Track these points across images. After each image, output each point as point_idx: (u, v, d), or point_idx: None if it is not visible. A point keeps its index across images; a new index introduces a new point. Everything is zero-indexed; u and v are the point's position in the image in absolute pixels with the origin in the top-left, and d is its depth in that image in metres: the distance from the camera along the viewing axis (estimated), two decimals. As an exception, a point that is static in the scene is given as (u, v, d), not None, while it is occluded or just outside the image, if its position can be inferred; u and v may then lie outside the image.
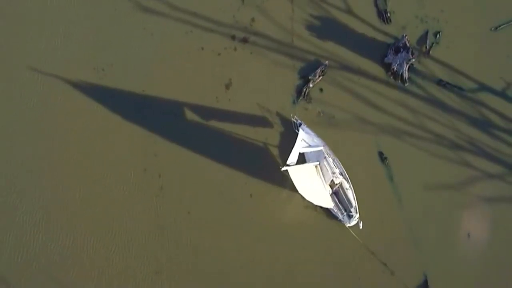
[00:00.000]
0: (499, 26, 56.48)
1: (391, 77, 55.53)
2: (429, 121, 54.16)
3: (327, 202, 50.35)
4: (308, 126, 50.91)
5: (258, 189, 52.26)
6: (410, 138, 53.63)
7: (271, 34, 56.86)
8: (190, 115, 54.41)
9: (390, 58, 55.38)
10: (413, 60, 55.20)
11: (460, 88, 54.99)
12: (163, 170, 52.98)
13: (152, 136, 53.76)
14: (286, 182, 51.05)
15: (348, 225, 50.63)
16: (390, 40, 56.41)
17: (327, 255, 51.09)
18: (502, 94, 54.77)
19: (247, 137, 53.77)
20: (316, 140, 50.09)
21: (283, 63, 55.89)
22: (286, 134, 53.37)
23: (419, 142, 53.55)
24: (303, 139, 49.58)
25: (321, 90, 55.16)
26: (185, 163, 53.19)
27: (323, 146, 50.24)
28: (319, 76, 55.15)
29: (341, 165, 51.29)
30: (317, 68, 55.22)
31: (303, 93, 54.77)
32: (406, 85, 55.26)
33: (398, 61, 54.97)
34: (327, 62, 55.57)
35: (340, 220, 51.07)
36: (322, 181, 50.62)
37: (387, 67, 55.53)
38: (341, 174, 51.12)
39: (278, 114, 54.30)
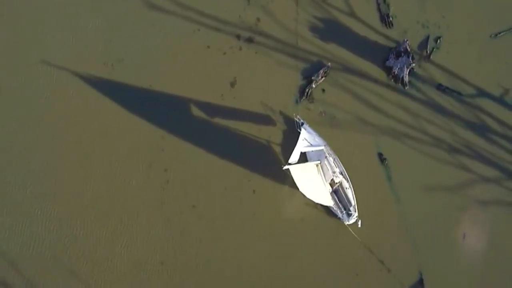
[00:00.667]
0: (499, 33, 57.34)
1: (392, 80, 56.25)
2: (428, 124, 54.96)
3: (327, 200, 51.08)
4: (310, 126, 51.53)
5: (261, 186, 52.81)
6: (409, 140, 54.41)
7: (275, 34, 57.39)
8: (196, 111, 54.86)
9: (391, 61, 56.09)
10: (414, 64, 55.92)
11: (459, 93, 55.77)
12: (169, 164, 53.42)
13: (160, 131, 54.15)
14: (288, 180, 51.59)
15: (347, 223, 51.27)
16: (391, 44, 57.14)
17: (326, 251, 51.76)
18: (500, 100, 55.61)
19: (250, 134, 54.27)
20: (318, 140, 50.63)
21: (287, 63, 56.47)
22: (288, 133, 54.01)
23: (418, 144, 54.35)
24: (305, 138, 50.20)
25: (323, 90, 55.80)
26: (191, 158, 53.60)
27: (324, 145, 50.83)
28: (321, 77, 55.77)
29: (341, 164, 51.93)
30: (320, 69, 55.84)
31: (305, 93, 55.37)
32: (406, 88, 55.99)
33: (399, 65, 55.67)
34: (329, 63, 56.18)
35: (339, 218, 51.71)
36: (322, 179, 51.45)
37: (388, 70, 56.22)
38: (341, 173, 51.83)
39: (281, 113, 54.83)
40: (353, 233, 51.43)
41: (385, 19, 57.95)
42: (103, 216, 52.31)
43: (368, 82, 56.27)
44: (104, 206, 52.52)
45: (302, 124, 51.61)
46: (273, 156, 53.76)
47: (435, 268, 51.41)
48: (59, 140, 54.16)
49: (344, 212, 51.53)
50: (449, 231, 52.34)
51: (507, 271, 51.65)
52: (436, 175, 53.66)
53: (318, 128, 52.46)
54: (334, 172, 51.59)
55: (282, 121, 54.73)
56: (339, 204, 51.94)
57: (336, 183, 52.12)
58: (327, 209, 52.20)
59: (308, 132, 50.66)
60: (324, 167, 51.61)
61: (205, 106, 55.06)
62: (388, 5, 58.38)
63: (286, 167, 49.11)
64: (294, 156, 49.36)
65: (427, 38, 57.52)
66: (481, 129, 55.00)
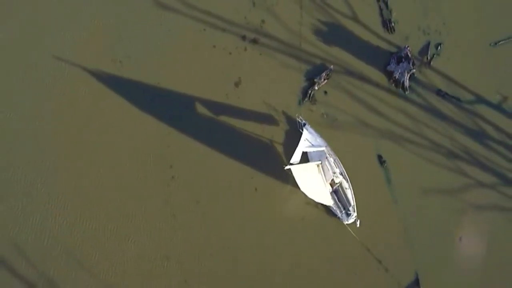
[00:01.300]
0: (498, 42, 58.17)
1: (393, 84, 56.98)
2: (427, 129, 55.73)
3: (327, 200, 51.74)
4: (312, 127, 52.05)
5: (263, 184, 53.49)
6: (408, 144, 55.16)
7: (280, 36, 58.12)
8: (201, 109, 55.53)
9: (392, 66, 56.84)
10: (414, 70, 56.63)
11: (458, 99, 56.53)
12: (174, 161, 54.07)
13: (166, 128, 54.83)
14: (289, 179, 52.24)
15: (346, 222, 52.01)
16: (393, 49, 57.90)
17: (326, 249, 52.45)
18: (497, 107, 56.42)
19: (254, 133, 54.93)
20: (319, 141, 51.17)
21: (291, 65, 57.18)
22: (290, 133, 54.63)
23: (417, 148, 55.09)
24: (306, 139, 50.79)
25: (325, 92, 56.52)
26: (195, 155, 54.26)
27: (325, 146, 51.37)
28: (324, 80, 56.46)
29: (341, 165, 52.64)
30: (322, 72, 56.55)
31: (308, 95, 56.08)
32: (406, 93, 56.74)
33: (399, 70, 56.43)
34: (332, 66, 56.89)
35: (339, 218, 52.39)
36: (323, 179, 51.98)
37: (389, 74, 56.93)
38: (341, 174, 52.55)
39: (284, 113, 55.50)
40: (352, 232, 52.00)
41: (387, 25, 58.62)
42: (110, 210, 53.01)
43: (369, 86, 56.95)
44: (111, 201, 53.18)
45: (304, 124, 52.04)
46: (276, 155, 54.39)
47: (431, 269, 52.08)
48: (66, 136, 54.82)
49: (343, 211, 52.15)
50: (445, 233, 52.99)
51: (502, 272, 52.36)
52: (434, 178, 54.36)
53: (319, 129, 53.07)
54: (334, 173, 52.17)
55: (285, 121, 55.33)
56: (339, 204, 52.55)
57: (336, 183, 52.71)
58: (327, 208, 52.81)
59: (310, 133, 51.15)
60: (325, 168, 52.11)
61: (210, 105, 55.67)
62: (390, 11, 59.10)
63: (287, 167, 49.69)
64: (296, 156, 49.92)
65: (428, 44, 58.22)
66: (479, 135, 55.70)
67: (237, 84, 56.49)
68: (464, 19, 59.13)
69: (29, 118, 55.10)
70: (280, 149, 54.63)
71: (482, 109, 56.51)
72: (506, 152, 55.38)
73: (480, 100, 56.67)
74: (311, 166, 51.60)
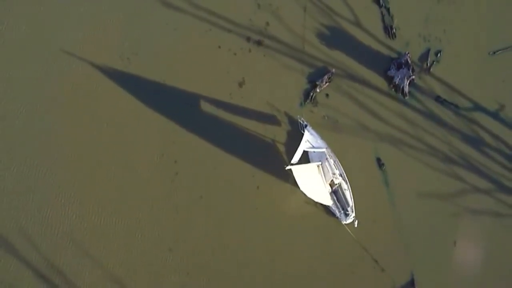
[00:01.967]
0: (497, 51, 58.90)
1: (393, 89, 57.66)
2: (425, 134, 56.42)
3: (326, 200, 52.37)
4: (313, 128, 52.54)
5: (264, 182, 54.07)
6: (407, 148, 55.86)
7: (283, 39, 58.69)
8: (206, 108, 56.10)
9: (392, 72, 57.52)
10: (414, 76, 57.26)
11: (457, 106, 57.22)
12: (179, 157, 54.73)
13: (171, 124, 55.33)
14: (290, 178, 52.73)
15: (344, 222, 52.64)
16: (394, 55, 58.55)
17: (324, 248, 53.05)
18: (495, 115, 57.11)
19: (256, 132, 55.53)
20: (320, 142, 51.71)
21: (293, 67, 57.82)
22: (292, 133, 55.20)
23: (415, 152, 55.79)
24: (307, 140, 51.36)
25: (327, 95, 57.20)
26: (199, 152, 54.78)
27: (326, 148, 51.89)
28: (326, 82, 57.14)
29: (341, 167, 53.29)
30: (324, 75, 57.22)
31: (310, 97, 56.77)
32: (406, 98, 57.41)
33: (399, 75, 57.06)
34: (334, 69, 57.56)
35: (337, 217, 53.08)
36: (322, 180, 52.56)
37: (390, 79, 57.60)
38: (340, 175, 53.19)
39: (286, 114, 56.09)
40: (350, 232, 52.60)
41: (389, 30, 59.24)
42: (116, 205, 53.71)
43: (369, 90, 57.54)
44: (116, 195, 53.82)
45: (306, 126, 52.51)
46: (277, 155, 54.94)
47: (427, 270, 52.74)
48: (73, 131, 55.28)
49: (342, 211, 52.73)
50: (441, 236, 53.59)
51: (495, 274, 53.08)
52: (431, 182, 54.95)
53: (320, 130, 53.56)
54: (334, 174, 52.68)
55: (287, 121, 55.88)
56: (338, 204, 53.10)
57: (336, 184, 53.25)
58: (326, 208, 53.39)
59: (311, 134, 51.64)
60: (325, 168, 52.65)
61: (214, 104, 56.22)
62: (392, 17, 59.69)
63: (288, 167, 50.22)
64: (296, 157, 50.48)
65: (428, 51, 58.85)
66: (476, 142, 56.31)
67: (241, 84, 57.11)
68: (464, 28, 59.70)
69: (36, 113, 55.69)
70: (281, 148, 55.22)
71: (479, 116, 57.10)
72: (502, 159, 56.08)
73: (478, 107, 57.30)
74: (312, 166, 52.13)
